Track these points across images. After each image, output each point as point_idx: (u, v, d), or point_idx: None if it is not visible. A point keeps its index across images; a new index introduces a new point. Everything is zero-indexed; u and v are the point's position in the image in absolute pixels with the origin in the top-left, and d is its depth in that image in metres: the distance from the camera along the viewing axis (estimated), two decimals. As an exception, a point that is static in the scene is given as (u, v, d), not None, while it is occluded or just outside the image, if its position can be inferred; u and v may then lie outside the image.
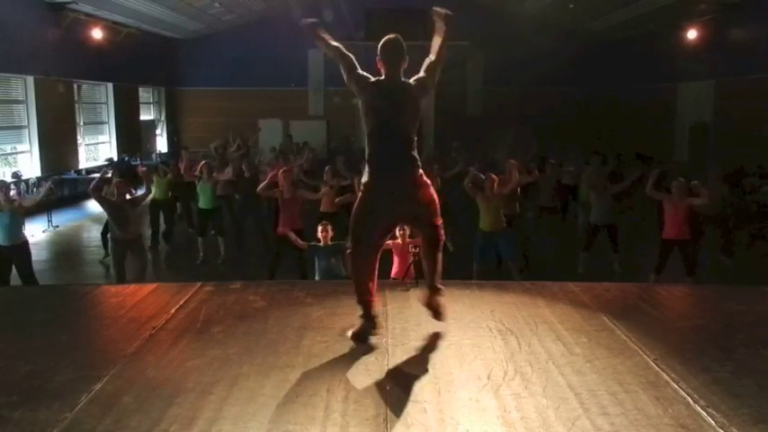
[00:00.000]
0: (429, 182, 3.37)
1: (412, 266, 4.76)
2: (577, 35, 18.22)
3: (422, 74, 3.37)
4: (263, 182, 8.09)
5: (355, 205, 3.38)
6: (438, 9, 3.41)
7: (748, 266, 8.15)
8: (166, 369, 2.95)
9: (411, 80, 3.32)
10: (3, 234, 6.61)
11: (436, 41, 3.41)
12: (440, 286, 3.44)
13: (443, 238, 3.44)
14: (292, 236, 6.11)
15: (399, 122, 3.26)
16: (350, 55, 3.36)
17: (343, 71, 3.36)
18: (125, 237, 6.83)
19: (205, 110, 20.14)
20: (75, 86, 14.85)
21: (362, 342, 3.25)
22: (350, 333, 3.32)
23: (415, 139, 3.31)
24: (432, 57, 3.39)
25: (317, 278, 5.94)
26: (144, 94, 18.94)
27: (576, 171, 10.44)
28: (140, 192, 7.55)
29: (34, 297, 4.56)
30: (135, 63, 16.58)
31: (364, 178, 3.33)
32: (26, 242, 6.90)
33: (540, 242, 8.90)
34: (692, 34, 14.58)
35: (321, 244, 5.95)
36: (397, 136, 3.26)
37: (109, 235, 7.34)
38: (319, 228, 6.03)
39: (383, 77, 3.31)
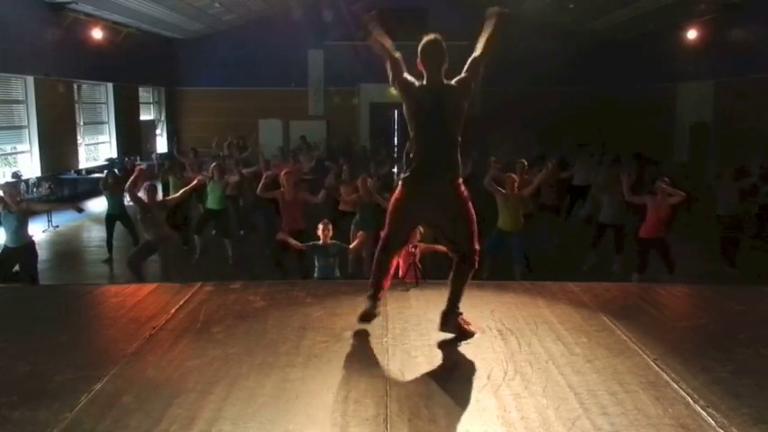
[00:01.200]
0: (468, 197, 3.30)
1: (413, 266, 4.77)
2: (577, 35, 18.21)
3: (464, 74, 3.32)
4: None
5: (393, 200, 3.38)
6: (495, 8, 3.37)
7: (750, 267, 8.15)
8: (166, 369, 2.95)
9: (453, 81, 3.29)
10: (11, 236, 6.60)
11: (483, 38, 3.35)
12: (460, 310, 3.36)
13: (477, 265, 3.36)
14: (291, 241, 6.05)
15: (443, 126, 3.24)
16: (398, 57, 3.33)
17: (389, 72, 3.34)
18: (155, 238, 6.92)
19: (205, 110, 20.14)
20: (75, 86, 14.85)
21: (368, 322, 3.39)
22: (358, 316, 3.43)
23: (459, 142, 3.28)
24: (476, 53, 3.34)
25: (315, 276, 5.92)
26: (144, 94, 18.93)
27: (586, 172, 10.46)
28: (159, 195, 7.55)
29: (34, 297, 4.57)
30: (135, 63, 16.57)
31: (404, 175, 3.32)
32: (32, 243, 6.89)
33: (541, 241, 8.89)
34: (692, 34, 14.57)
35: (320, 243, 5.92)
36: (441, 140, 3.25)
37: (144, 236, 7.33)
38: (320, 226, 6.00)
39: (425, 81, 3.28)
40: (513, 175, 7.45)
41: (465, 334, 3.33)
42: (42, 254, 9.58)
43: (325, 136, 19.32)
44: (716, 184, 8.42)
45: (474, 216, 3.32)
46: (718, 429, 2.42)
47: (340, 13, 17.09)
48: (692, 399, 2.64)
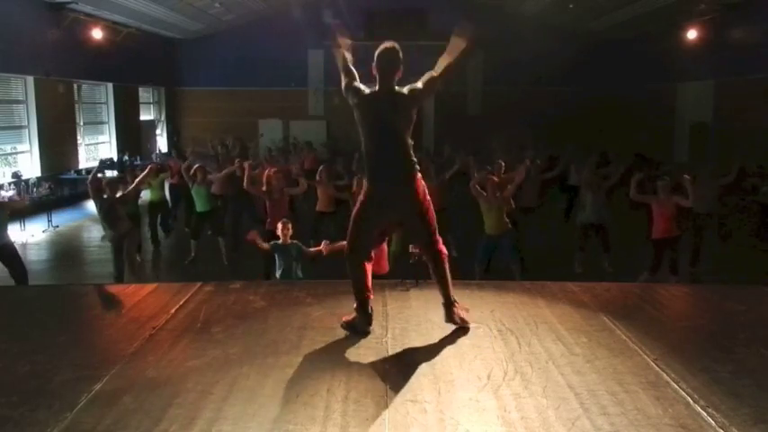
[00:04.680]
0: (427, 195, 3.38)
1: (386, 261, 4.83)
2: (577, 35, 18.21)
3: (419, 85, 3.38)
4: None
5: (354, 212, 3.45)
6: (464, 26, 3.42)
7: (749, 267, 8.14)
8: (166, 369, 2.95)
9: (405, 89, 3.35)
10: None
11: (446, 59, 3.39)
12: (455, 299, 3.46)
13: (445, 254, 3.47)
14: (258, 240, 5.87)
15: (391, 132, 3.31)
16: (354, 70, 3.46)
17: (342, 80, 3.45)
18: (117, 233, 6.86)
19: (205, 110, 20.14)
20: (75, 86, 14.85)
21: (353, 332, 3.38)
22: (343, 321, 3.44)
23: (410, 146, 3.35)
24: (435, 72, 3.39)
25: (277, 276, 5.83)
26: (144, 94, 18.92)
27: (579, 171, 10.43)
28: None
29: (34, 297, 4.56)
30: (135, 63, 16.58)
31: (363, 187, 3.41)
32: (11, 243, 6.74)
33: (535, 242, 8.87)
34: (692, 34, 14.57)
35: (281, 242, 5.81)
36: (390, 145, 3.32)
37: (102, 235, 7.30)
38: (279, 225, 5.85)
39: (376, 88, 3.36)
40: (494, 178, 7.41)
41: (463, 323, 3.44)
42: (42, 254, 9.62)
43: (326, 136, 19.34)
44: (689, 184, 8.35)
45: (432, 209, 3.42)
46: (718, 429, 2.41)
47: (340, 14, 17.09)
48: (692, 399, 2.64)
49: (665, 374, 2.88)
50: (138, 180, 7.42)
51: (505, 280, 5.49)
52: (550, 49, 16.46)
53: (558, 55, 16.53)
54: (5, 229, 6.66)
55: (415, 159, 3.36)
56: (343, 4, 16.81)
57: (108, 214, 6.84)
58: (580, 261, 8.19)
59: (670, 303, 4.17)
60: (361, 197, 3.41)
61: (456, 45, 3.40)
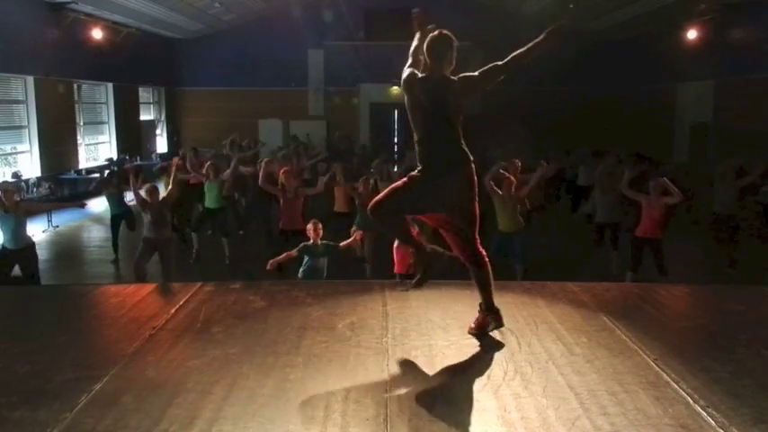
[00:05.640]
0: (476, 194, 3.25)
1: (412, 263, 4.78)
2: (577, 35, 18.20)
3: (474, 73, 3.29)
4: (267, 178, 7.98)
5: (399, 184, 3.30)
6: (556, 27, 3.39)
7: (750, 267, 8.14)
8: (166, 369, 2.95)
9: (457, 77, 3.28)
10: (9, 237, 6.44)
11: (519, 50, 3.27)
12: (497, 307, 3.30)
13: (485, 255, 3.30)
14: (282, 258, 5.85)
15: (441, 116, 3.23)
16: (419, 60, 3.38)
17: (407, 66, 3.37)
18: (158, 238, 6.83)
19: (205, 110, 20.15)
20: (75, 86, 14.85)
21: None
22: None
23: (460, 134, 3.25)
24: (500, 62, 3.26)
25: (299, 276, 5.85)
26: (144, 94, 18.93)
27: (591, 172, 10.46)
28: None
29: (34, 297, 4.57)
30: (135, 63, 16.58)
31: (419, 169, 3.26)
32: (33, 244, 6.73)
33: (537, 241, 8.87)
34: (692, 34, 14.58)
35: (311, 243, 5.85)
36: (441, 129, 3.23)
37: (143, 235, 7.21)
38: (310, 226, 5.90)
39: (427, 73, 3.29)
40: (511, 177, 7.45)
41: (475, 330, 3.37)
42: (42, 254, 9.57)
43: (326, 136, 19.33)
44: (719, 183, 8.36)
45: (477, 217, 3.29)
46: (718, 429, 2.41)
47: (340, 13, 17.10)
48: (692, 399, 2.64)
49: (665, 374, 2.88)
50: (173, 179, 7.33)
51: (505, 280, 5.49)
52: (551, 49, 16.44)
53: (558, 55, 16.49)
54: (25, 229, 6.59)
55: (465, 148, 3.24)
56: (343, 3, 16.83)
57: (157, 221, 6.84)
58: (616, 260, 8.16)
59: (670, 303, 4.17)
60: (415, 173, 3.24)
61: (538, 40, 3.30)
